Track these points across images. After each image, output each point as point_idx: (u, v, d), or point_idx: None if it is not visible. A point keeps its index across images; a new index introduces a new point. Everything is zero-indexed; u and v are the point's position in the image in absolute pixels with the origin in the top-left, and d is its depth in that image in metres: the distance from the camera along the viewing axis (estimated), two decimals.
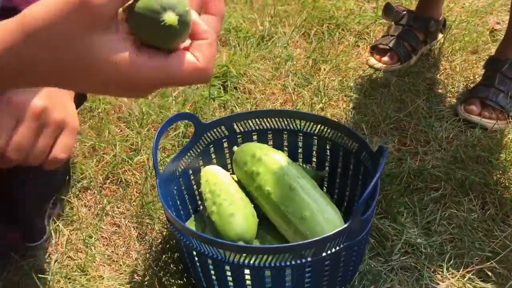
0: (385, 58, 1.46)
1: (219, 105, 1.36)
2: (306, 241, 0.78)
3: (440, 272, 0.96)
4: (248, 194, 0.97)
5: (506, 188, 1.10)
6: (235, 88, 1.42)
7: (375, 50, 1.50)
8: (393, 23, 1.53)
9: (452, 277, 0.95)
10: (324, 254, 0.80)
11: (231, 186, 0.96)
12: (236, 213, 0.87)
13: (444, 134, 1.25)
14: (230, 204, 0.88)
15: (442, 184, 1.12)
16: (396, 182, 1.12)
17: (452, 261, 0.97)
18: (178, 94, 1.38)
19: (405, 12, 1.51)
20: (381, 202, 1.09)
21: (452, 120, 1.29)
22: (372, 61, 1.48)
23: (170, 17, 0.43)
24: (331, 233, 0.78)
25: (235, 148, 1.03)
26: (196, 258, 0.86)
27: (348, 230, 0.80)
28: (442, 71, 1.46)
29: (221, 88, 1.41)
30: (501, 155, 1.17)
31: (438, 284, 0.94)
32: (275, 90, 1.43)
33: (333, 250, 0.80)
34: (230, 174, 1.03)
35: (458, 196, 1.10)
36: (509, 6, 1.28)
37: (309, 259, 0.79)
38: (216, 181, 0.96)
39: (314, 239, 0.78)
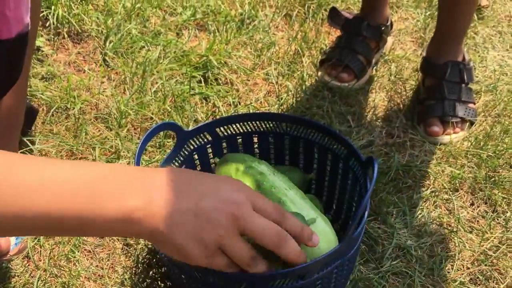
0: (342, 75, 1.32)
1: (200, 100, 1.31)
2: (298, 267, 0.76)
3: (431, 277, 0.96)
4: None
5: (495, 183, 1.09)
6: (216, 79, 1.37)
7: (327, 64, 1.34)
8: (342, 32, 1.39)
9: (443, 282, 0.94)
10: (316, 275, 0.78)
11: None
12: None
13: None
14: None
15: (432, 181, 1.11)
16: (385, 180, 1.10)
17: (443, 263, 0.97)
18: (158, 89, 1.33)
19: (352, 18, 1.39)
20: (370, 203, 1.07)
21: None
22: (327, 78, 1.33)
23: None
24: (323, 256, 0.76)
25: (216, 159, 0.99)
26: (183, 277, 0.84)
27: (340, 250, 0.77)
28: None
29: (202, 80, 1.36)
30: (489, 148, 1.16)
31: None
32: (257, 80, 1.38)
33: (325, 270, 0.78)
34: None
35: (448, 193, 1.08)
36: None
37: (300, 282, 0.77)
38: None
39: (304, 264, 0.76)
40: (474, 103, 1.27)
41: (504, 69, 1.40)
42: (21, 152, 1.17)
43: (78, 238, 1.03)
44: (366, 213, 0.83)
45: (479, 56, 1.45)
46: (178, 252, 0.57)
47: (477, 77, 1.36)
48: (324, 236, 0.85)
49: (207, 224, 0.56)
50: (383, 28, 1.38)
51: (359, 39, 1.35)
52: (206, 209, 0.56)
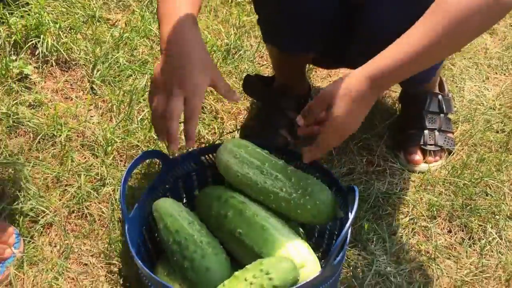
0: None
1: None
2: None
3: None
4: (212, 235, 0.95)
5: (471, 211, 1.12)
6: (202, 108, 1.40)
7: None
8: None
9: None
10: None
11: (192, 229, 0.92)
12: (211, 267, 0.86)
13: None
14: (202, 258, 0.87)
15: (410, 208, 1.14)
16: (365, 207, 1.13)
17: None
18: (144, 117, 1.35)
19: (271, 87, 1.33)
20: (351, 230, 1.09)
21: None
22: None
23: None
24: (305, 282, 0.78)
25: (196, 192, 1.01)
26: None
27: (320, 278, 0.80)
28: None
29: None
30: (466, 176, 1.19)
31: None
32: (241, 109, 1.41)
33: None
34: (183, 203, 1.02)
35: (426, 221, 1.11)
36: None
37: None
38: (176, 226, 0.92)
39: None
40: (453, 133, 1.31)
41: (480, 99, 1.45)
42: (2, 177, 1.19)
43: (61, 265, 1.04)
44: (347, 241, 0.86)
45: (456, 86, 1.50)
46: None
47: (455, 107, 1.41)
48: (306, 262, 0.87)
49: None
50: (302, 101, 1.30)
51: (279, 112, 1.27)
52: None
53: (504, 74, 1.55)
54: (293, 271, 0.84)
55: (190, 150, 1.04)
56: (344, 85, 0.88)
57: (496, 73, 1.55)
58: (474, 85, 1.50)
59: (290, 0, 1.04)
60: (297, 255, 0.88)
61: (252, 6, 1.76)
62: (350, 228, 0.83)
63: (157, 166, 1.22)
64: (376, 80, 0.86)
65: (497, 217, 1.11)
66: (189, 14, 0.91)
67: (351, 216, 0.81)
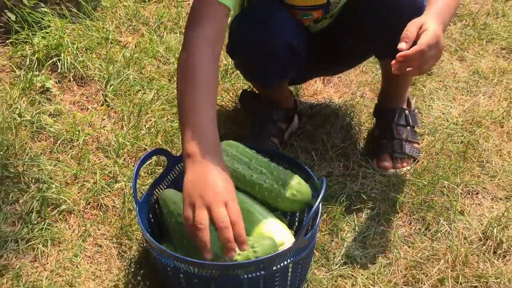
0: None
1: None
2: (260, 258, 0.97)
3: (372, 279, 1.16)
4: None
5: (428, 207, 1.32)
6: None
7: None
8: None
9: (381, 282, 1.15)
10: (274, 268, 0.99)
11: None
12: None
13: None
14: None
15: (377, 204, 1.33)
16: (338, 203, 1.32)
17: (382, 269, 1.18)
18: (151, 125, 1.55)
19: (263, 101, 1.52)
20: (326, 221, 1.28)
21: None
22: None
23: None
24: (279, 251, 0.97)
25: None
26: (170, 273, 1.04)
27: (293, 248, 0.99)
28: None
29: None
30: (426, 178, 1.39)
31: None
32: (238, 121, 1.62)
33: (282, 264, 0.99)
34: None
35: (390, 214, 1.31)
36: None
37: (262, 272, 0.98)
38: (178, 211, 1.11)
39: (266, 256, 0.97)
40: (419, 143, 1.51)
41: (446, 116, 1.65)
42: (30, 174, 1.38)
43: (80, 246, 1.23)
44: (318, 220, 1.05)
45: (426, 105, 1.71)
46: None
47: (422, 122, 1.61)
48: (285, 241, 1.06)
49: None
50: (291, 114, 1.51)
51: (271, 124, 1.46)
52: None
53: (469, 95, 1.75)
54: (274, 247, 1.03)
55: None
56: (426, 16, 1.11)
57: (462, 94, 1.76)
58: (442, 104, 1.71)
59: (256, 44, 1.23)
60: (277, 234, 1.07)
61: None
62: (319, 207, 1.03)
63: (161, 168, 1.42)
64: (442, 20, 1.11)
65: (449, 212, 1.30)
66: (212, 130, 1.02)
67: (319, 198, 1.00)
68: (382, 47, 1.34)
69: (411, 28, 1.07)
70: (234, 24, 1.30)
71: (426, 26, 1.07)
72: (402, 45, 1.05)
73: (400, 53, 1.05)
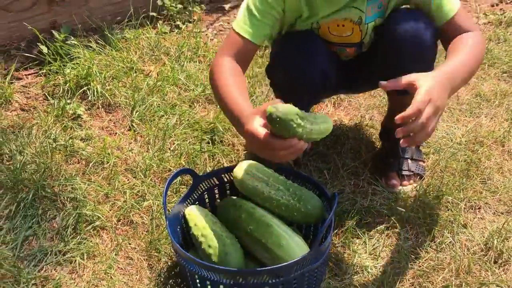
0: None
1: (209, 156, 1.66)
2: (279, 265, 1.08)
3: (381, 287, 1.26)
4: (229, 231, 1.25)
5: (434, 220, 1.42)
6: (221, 141, 1.72)
7: None
8: None
9: None
10: (292, 275, 1.09)
11: (215, 226, 1.23)
12: (229, 252, 1.16)
13: None
14: (223, 246, 1.17)
15: (386, 219, 1.43)
16: (350, 218, 1.43)
17: (391, 278, 1.28)
18: (175, 148, 1.68)
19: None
20: (339, 235, 1.39)
21: None
22: None
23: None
24: (297, 259, 1.08)
25: (217, 201, 1.33)
26: (198, 281, 1.15)
27: (309, 257, 1.09)
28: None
29: (210, 142, 1.71)
30: (432, 194, 1.49)
31: None
32: None
33: (299, 272, 1.10)
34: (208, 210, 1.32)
35: (398, 228, 1.41)
36: None
37: (281, 278, 1.08)
38: (203, 224, 1.23)
39: (284, 263, 1.07)
40: (424, 161, 1.62)
41: (450, 136, 1.76)
42: (63, 193, 1.51)
43: (113, 258, 1.34)
44: (331, 231, 1.16)
45: None
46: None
47: (428, 142, 1.72)
48: (302, 249, 1.17)
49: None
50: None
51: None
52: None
53: (472, 117, 1.86)
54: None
55: (214, 170, 1.36)
56: (433, 82, 1.10)
57: (466, 116, 1.87)
58: (446, 125, 1.82)
59: (295, 70, 1.35)
60: (294, 245, 1.18)
61: (263, 59, 2.12)
62: (332, 220, 1.13)
63: (185, 188, 1.54)
64: (448, 79, 1.14)
65: (453, 225, 1.40)
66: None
67: (332, 211, 1.11)
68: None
69: (421, 105, 1.07)
70: (275, 48, 1.42)
71: (417, 84, 1.08)
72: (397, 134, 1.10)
73: (396, 117, 1.08)
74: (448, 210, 1.46)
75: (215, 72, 1.28)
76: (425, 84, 1.09)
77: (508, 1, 2.72)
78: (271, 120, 1.02)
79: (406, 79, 1.11)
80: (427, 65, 1.32)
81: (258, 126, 1.07)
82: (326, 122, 1.12)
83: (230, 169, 1.35)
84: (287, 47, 1.37)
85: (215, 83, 1.27)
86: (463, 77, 1.20)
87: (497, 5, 2.70)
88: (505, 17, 2.48)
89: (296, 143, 1.05)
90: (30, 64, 2.08)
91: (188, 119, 1.80)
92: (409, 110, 1.07)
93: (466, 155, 1.66)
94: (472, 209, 1.47)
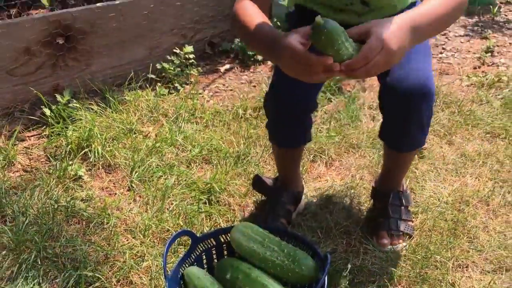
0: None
1: (206, 216, 1.72)
2: None
3: None
4: None
5: (423, 279, 1.47)
6: (218, 201, 1.79)
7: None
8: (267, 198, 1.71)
9: None
10: None
11: (214, 286, 1.28)
12: None
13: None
14: None
15: (377, 278, 1.48)
16: (342, 277, 1.48)
17: None
18: (173, 208, 1.74)
19: (274, 185, 1.73)
20: None
21: None
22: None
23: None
24: None
25: (215, 262, 1.38)
26: None
27: None
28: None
29: (207, 202, 1.78)
30: (420, 253, 1.55)
31: None
32: (249, 203, 1.80)
33: None
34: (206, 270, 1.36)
35: (389, 287, 1.46)
36: None
37: None
38: (202, 285, 1.27)
39: None
40: (412, 221, 1.69)
41: (437, 196, 1.83)
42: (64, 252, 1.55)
43: None
44: None
45: (419, 185, 1.89)
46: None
47: (416, 201, 1.79)
48: None
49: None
50: (299, 194, 1.69)
51: (280, 206, 1.65)
52: None
53: (458, 176, 1.94)
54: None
55: (211, 231, 1.42)
56: (394, 27, 1.06)
57: (451, 175, 1.95)
58: (433, 185, 1.90)
59: (285, 107, 1.42)
60: None
61: (257, 121, 2.22)
62: (325, 280, 1.18)
63: (183, 248, 1.59)
64: (412, 25, 1.09)
65: (442, 284, 1.45)
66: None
67: (325, 272, 1.16)
68: (392, 135, 1.50)
69: (375, 46, 1.05)
70: (275, 82, 1.49)
71: (371, 31, 1.05)
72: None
73: (342, 64, 1.05)
74: (436, 269, 1.51)
75: (239, 13, 1.29)
76: (378, 30, 1.05)
77: (490, 64, 2.87)
78: (318, 31, 0.99)
79: (362, 27, 1.08)
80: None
81: (296, 41, 1.06)
82: None
83: (227, 230, 1.41)
84: (284, 82, 1.43)
85: (240, 19, 1.27)
86: (432, 24, 1.14)
87: (479, 67, 2.85)
88: (487, 79, 2.62)
89: (331, 63, 1.03)
90: (33, 126, 2.16)
91: (185, 179, 1.87)
92: (354, 59, 1.05)
93: (453, 214, 1.73)
94: (459, 267, 1.53)
